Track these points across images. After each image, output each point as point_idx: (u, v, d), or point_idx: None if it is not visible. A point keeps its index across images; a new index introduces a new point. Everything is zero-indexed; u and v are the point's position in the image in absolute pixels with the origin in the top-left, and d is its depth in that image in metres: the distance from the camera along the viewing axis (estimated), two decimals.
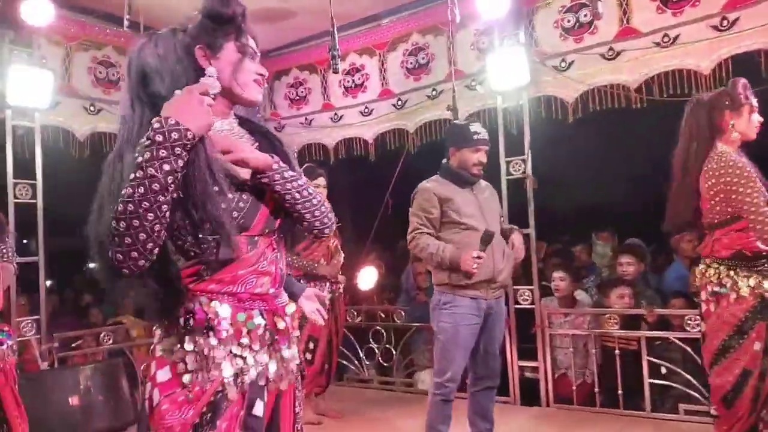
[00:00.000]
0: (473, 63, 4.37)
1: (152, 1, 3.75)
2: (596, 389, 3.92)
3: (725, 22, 3.45)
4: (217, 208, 1.28)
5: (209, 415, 1.30)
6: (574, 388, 4.00)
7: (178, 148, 1.20)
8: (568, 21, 4.00)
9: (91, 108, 4.42)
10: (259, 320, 1.40)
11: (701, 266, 2.53)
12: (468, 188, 3.07)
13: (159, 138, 1.18)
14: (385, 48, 4.79)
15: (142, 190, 1.17)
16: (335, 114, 5.07)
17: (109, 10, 4.18)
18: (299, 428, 1.52)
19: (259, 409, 1.38)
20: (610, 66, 3.84)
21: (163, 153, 1.18)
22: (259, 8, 4.29)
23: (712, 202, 2.46)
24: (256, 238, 1.41)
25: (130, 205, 1.18)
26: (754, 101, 2.53)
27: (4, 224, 2.49)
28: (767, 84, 3.18)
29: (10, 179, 3.86)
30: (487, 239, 2.84)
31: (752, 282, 2.37)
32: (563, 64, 4.01)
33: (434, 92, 4.55)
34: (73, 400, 3.75)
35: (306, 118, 5.21)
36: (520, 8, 4.08)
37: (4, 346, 2.22)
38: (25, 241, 4.80)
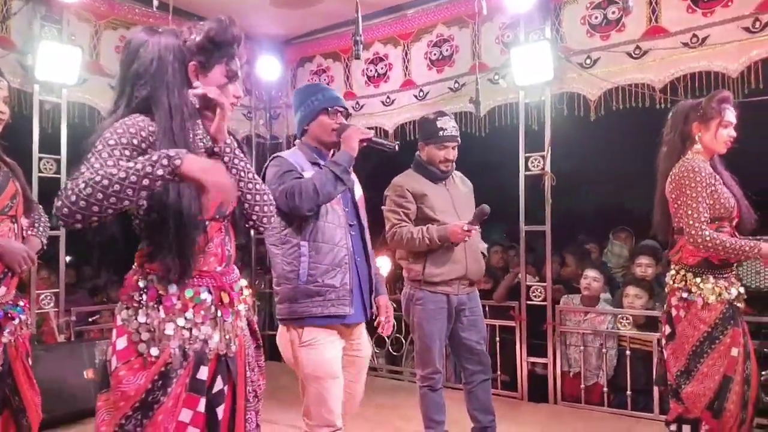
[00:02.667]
0: (497, 57, 4.35)
1: None
2: (605, 389, 3.92)
3: (758, 24, 3.39)
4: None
5: (160, 382, 1.44)
6: (582, 386, 4.00)
7: (173, 177, 1.34)
8: (596, 18, 3.96)
9: None
10: (205, 296, 1.54)
11: (671, 271, 2.54)
12: (440, 183, 3.02)
13: (165, 162, 1.31)
14: (410, 38, 4.78)
15: (134, 178, 1.29)
16: (357, 103, 5.07)
17: None
18: (251, 390, 1.65)
19: (203, 373, 1.51)
20: (636, 64, 3.80)
21: (160, 172, 1.31)
22: None
23: (675, 205, 2.46)
24: (206, 222, 1.54)
25: (116, 185, 1.28)
26: (730, 116, 2.45)
27: (32, 202, 2.54)
28: None
29: (36, 153, 3.93)
30: (480, 215, 2.80)
31: (717, 289, 2.38)
32: (588, 61, 3.97)
33: (456, 85, 4.53)
34: (88, 373, 3.83)
35: None
36: (546, 3, 4.06)
37: (16, 321, 2.29)
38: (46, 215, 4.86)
